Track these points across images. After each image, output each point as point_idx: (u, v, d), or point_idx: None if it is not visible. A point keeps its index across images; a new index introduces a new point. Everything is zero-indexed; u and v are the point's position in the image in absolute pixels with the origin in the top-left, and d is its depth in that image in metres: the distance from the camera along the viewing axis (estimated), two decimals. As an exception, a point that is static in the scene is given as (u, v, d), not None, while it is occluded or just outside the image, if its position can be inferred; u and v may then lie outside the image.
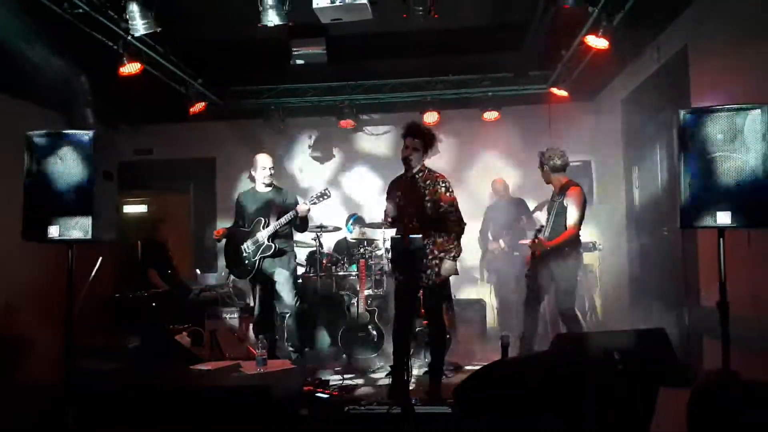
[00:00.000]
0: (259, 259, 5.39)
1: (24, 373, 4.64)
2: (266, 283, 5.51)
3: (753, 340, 3.92)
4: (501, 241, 6.95)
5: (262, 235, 5.37)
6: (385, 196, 4.88)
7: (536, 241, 5.08)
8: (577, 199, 5.03)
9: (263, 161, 5.56)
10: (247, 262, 5.43)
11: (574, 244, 5.09)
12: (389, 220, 4.75)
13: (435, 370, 4.73)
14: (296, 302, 5.57)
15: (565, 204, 5.07)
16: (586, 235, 7.29)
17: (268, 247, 5.37)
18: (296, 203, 5.50)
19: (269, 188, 5.58)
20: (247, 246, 5.44)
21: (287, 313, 5.54)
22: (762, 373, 3.70)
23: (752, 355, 3.90)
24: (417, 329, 5.57)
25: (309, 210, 5.35)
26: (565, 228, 5.03)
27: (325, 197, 5.35)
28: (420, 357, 5.77)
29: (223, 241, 5.72)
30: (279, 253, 5.42)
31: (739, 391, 2.42)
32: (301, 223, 5.45)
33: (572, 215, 5.03)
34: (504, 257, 6.94)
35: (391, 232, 4.83)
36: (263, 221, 5.43)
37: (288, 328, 5.55)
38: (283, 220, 5.34)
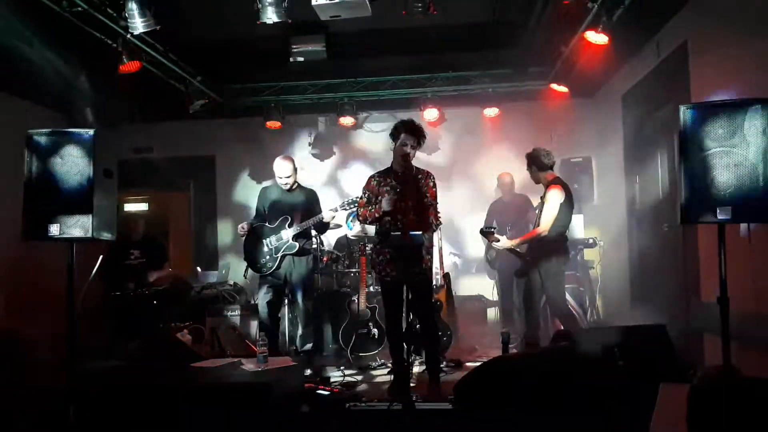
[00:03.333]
0: (281, 256, 5.44)
1: (26, 372, 4.65)
2: (280, 281, 5.53)
3: (754, 335, 3.92)
4: (504, 237, 6.94)
5: (287, 233, 5.44)
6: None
7: (495, 240, 5.20)
8: (554, 197, 5.07)
9: (279, 170, 5.54)
10: (269, 257, 5.48)
11: (557, 240, 5.10)
12: (370, 218, 4.71)
13: (432, 366, 4.74)
14: (309, 303, 5.59)
15: (543, 201, 5.13)
16: (587, 231, 7.35)
17: (292, 246, 5.44)
18: (318, 203, 5.65)
19: (294, 188, 5.62)
20: (270, 242, 5.49)
21: (298, 313, 5.58)
22: (762, 369, 3.71)
23: (753, 351, 3.90)
24: (416, 326, 5.57)
25: (334, 217, 5.46)
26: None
27: (355, 205, 5.33)
28: (421, 353, 5.77)
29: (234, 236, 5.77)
30: (301, 253, 5.50)
31: (739, 387, 2.42)
32: (324, 225, 5.56)
33: (544, 213, 5.08)
34: (506, 253, 6.93)
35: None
36: (288, 219, 5.47)
37: (299, 330, 5.56)
38: (310, 222, 5.43)
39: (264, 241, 5.52)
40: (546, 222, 5.05)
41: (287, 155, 5.75)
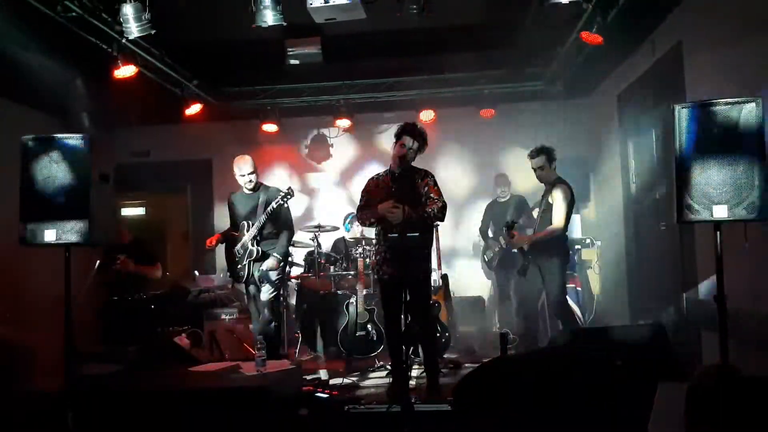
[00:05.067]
0: (248, 263, 5.34)
1: (23, 377, 4.64)
2: (258, 287, 5.44)
3: (751, 333, 3.93)
4: (501, 238, 6.97)
5: (247, 238, 5.33)
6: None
7: (511, 236, 5.17)
8: (564, 195, 5.10)
9: (239, 167, 5.40)
10: (240, 266, 5.39)
11: (559, 240, 5.13)
12: (372, 219, 4.71)
13: (430, 367, 4.74)
14: (270, 312, 5.35)
15: (550, 201, 5.13)
16: (584, 230, 7.36)
17: (252, 252, 5.31)
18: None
19: (257, 189, 5.48)
20: (238, 250, 5.40)
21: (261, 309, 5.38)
22: (760, 367, 3.72)
23: (750, 349, 3.91)
24: (415, 328, 5.55)
25: (273, 263, 5.25)
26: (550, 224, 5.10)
27: (289, 197, 5.22)
28: (419, 355, 5.77)
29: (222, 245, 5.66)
30: (265, 257, 5.36)
31: (737, 385, 2.42)
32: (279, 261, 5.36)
33: (557, 211, 5.08)
34: (504, 254, 6.95)
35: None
36: (247, 224, 5.37)
37: (259, 335, 5.10)
38: (257, 224, 5.28)
39: (234, 250, 5.44)
40: (559, 220, 5.07)
41: (245, 154, 5.55)
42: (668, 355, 3.52)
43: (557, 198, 5.11)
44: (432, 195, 4.63)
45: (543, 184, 5.37)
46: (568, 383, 2.94)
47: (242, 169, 5.38)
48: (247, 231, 5.36)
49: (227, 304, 6.64)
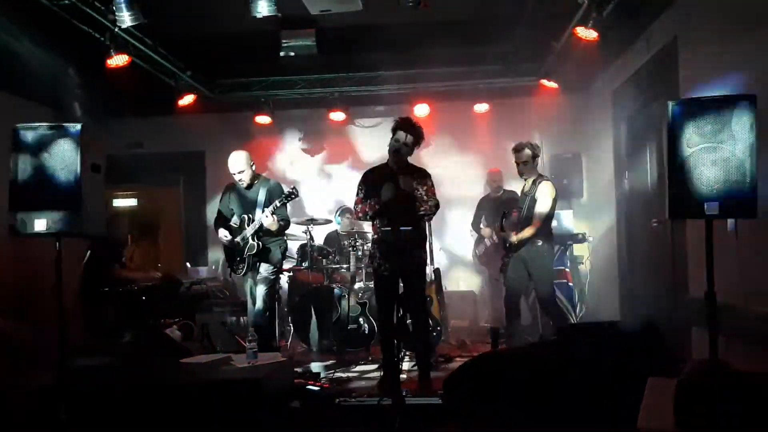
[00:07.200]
0: (248, 257, 5.31)
1: (15, 370, 4.61)
2: (255, 280, 5.42)
3: (741, 330, 3.95)
4: (493, 234, 6.98)
5: (247, 232, 5.29)
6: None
7: (502, 230, 5.20)
8: (550, 191, 5.17)
9: (231, 166, 5.31)
10: (239, 258, 5.37)
11: (546, 235, 5.15)
12: (369, 212, 4.69)
13: (423, 361, 4.75)
14: (264, 305, 5.29)
15: (536, 197, 5.16)
16: (577, 226, 7.38)
17: (253, 246, 5.27)
18: (281, 194, 5.34)
19: (256, 182, 5.44)
20: (238, 242, 5.36)
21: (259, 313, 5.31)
22: (749, 362, 3.74)
23: (740, 345, 3.93)
24: (407, 321, 5.56)
25: (273, 221, 5.15)
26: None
27: (292, 197, 5.18)
28: (410, 348, 5.78)
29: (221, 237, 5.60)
30: (264, 251, 5.34)
31: (727, 381, 2.44)
32: (283, 223, 5.33)
33: (541, 208, 5.12)
34: (495, 249, 6.96)
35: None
36: (247, 218, 5.33)
37: (251, 331, 4.79)
38: (252, 228, 5.25)
39: (234, 242, 5.38)
40: (543, 216, 5.11)
41: (241, 149, 5.44)
42: (658, 351, 3.54)
43: (544, 193, 5.15)
44: (427, 195, 4.64)
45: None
46: (559, 378, 2.96)
47: (234, 167, 5.30)
48: (248, 225, 5.32)
49: (219, 297, 6.63)
